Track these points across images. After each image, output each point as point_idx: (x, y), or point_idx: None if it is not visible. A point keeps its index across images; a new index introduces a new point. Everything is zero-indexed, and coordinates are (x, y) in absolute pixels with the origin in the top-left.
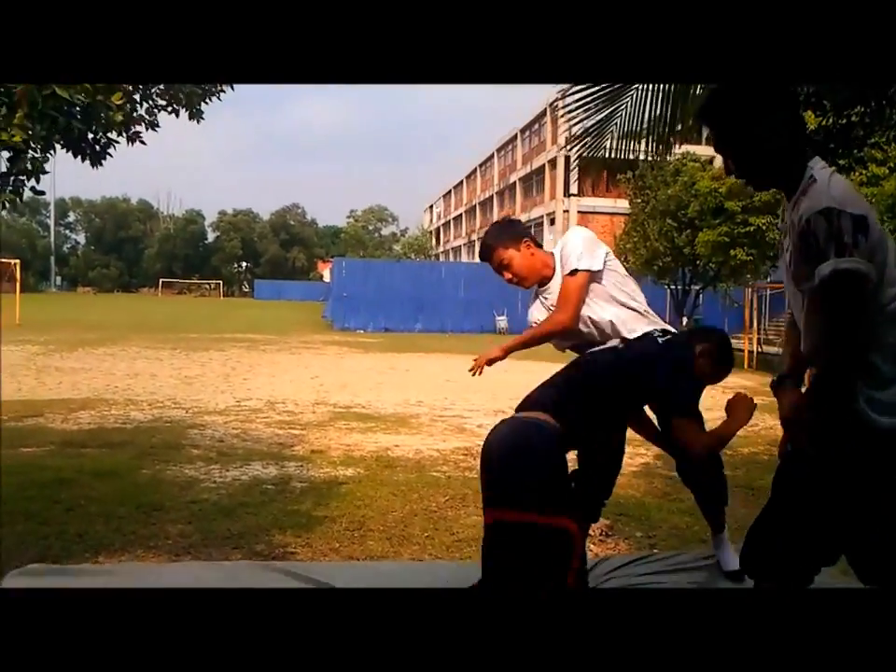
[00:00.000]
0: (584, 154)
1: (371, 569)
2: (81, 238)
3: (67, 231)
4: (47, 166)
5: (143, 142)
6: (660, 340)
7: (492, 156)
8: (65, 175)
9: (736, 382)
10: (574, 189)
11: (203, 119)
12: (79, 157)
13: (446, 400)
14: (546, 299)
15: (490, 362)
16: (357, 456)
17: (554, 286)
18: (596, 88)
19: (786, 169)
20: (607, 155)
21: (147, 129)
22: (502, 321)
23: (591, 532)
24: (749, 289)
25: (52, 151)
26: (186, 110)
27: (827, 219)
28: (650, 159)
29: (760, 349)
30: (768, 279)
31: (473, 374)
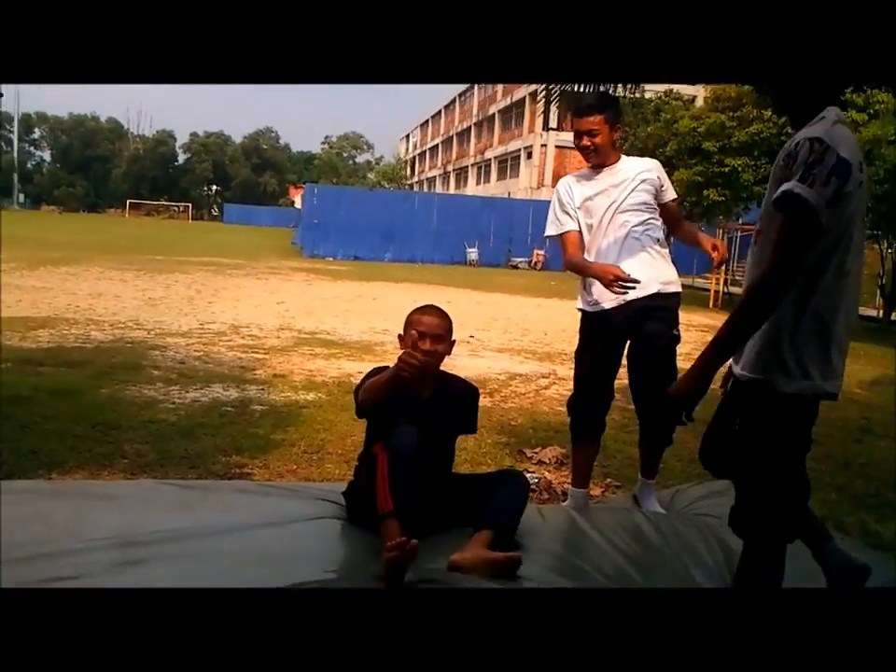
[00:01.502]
0: (563, 87)
1: (328, 489)
2: (47, 155)
3: (32, 148)
4: None
5: None
6: None
7: (472, 86)
8: (30, 89)
9: (701, 321)
10: (553, 123)
11: None
12: None
13: None
14: (597, 182)
15: None
16: (318, 381)
17: (609, 179)
18: None
19: (807, 106)
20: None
21: None
22: (473, 253)
23: (546, 460)
24: (720, 230)
25: None
26: None
27: (812, 147)
28: (626, 95)
29: (726, 289)
30: (739, 220)
31: None
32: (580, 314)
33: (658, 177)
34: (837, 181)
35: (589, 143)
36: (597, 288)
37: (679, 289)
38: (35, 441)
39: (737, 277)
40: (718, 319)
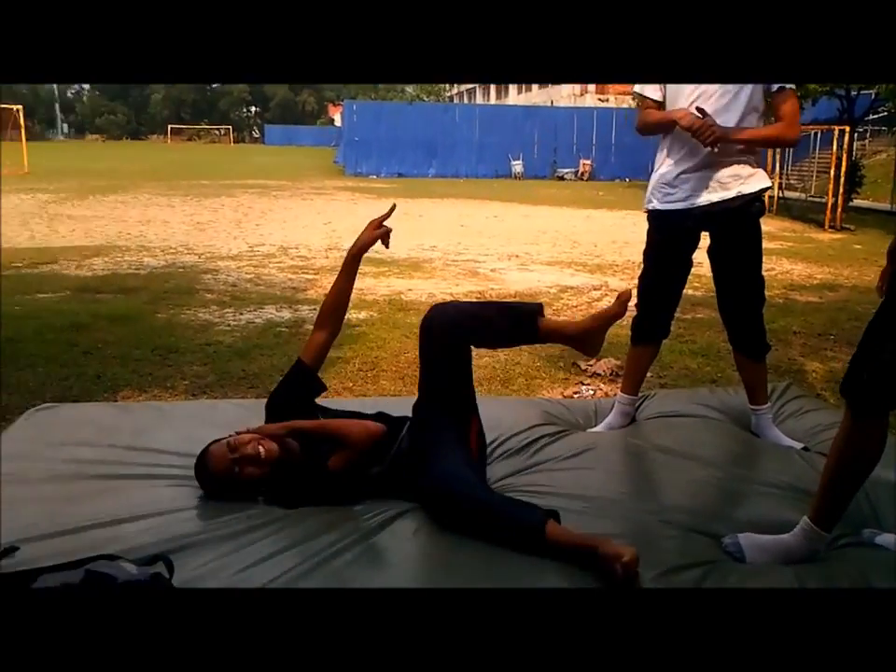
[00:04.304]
0: None
1: (383, 404)
2: (86, 83)
3: None
4: None
5: None
6: None
7: None
8: None
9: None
10: None
11: None
12: None
13: (460, 245)
14: None
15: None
16: (370, 300)
17: None
18: None
19: None
20: None
21: None
22: (517, 165)
23: (600, 372)
24: None
25: None
26: None
27: None
28: None
29: (781, 194)
30: None
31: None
32: (648, 214)
33: None
34: None
35: None
36: (691, 185)
37: (765, 185)
38: (98, 366)
39: (792, 181)
40: (773, 224)
